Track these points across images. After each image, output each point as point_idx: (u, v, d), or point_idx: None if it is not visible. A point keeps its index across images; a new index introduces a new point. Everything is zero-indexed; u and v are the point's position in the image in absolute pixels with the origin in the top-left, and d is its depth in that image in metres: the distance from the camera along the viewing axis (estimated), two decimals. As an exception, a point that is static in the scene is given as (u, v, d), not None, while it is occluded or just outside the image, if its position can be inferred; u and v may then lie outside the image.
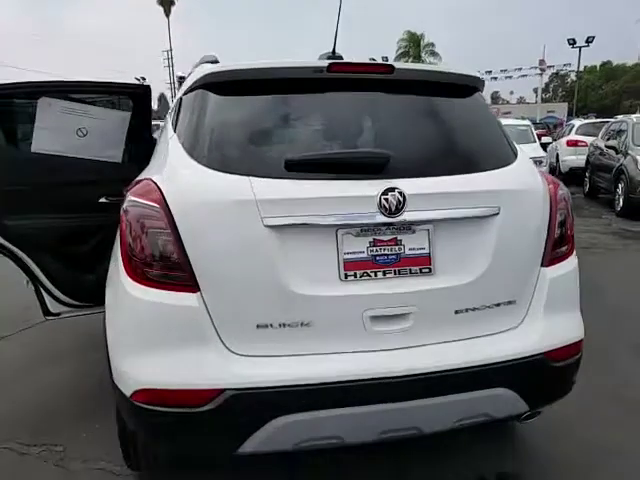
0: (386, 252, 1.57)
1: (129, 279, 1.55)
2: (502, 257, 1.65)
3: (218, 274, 1.50)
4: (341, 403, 1.49)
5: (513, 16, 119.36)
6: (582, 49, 32.38)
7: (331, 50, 2.14)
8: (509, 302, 1.68)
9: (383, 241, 1.56)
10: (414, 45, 58.05)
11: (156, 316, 1.53)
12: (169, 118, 2.03)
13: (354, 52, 2.57)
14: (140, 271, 1.53)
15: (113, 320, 1.67)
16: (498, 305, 1.66)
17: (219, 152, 1.62)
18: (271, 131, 1.74)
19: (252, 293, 1.52)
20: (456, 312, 1.62)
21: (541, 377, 1.69)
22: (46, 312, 2.73)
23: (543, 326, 1.71)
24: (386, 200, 1.52)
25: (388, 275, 1.57)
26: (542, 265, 1.73)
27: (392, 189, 1.53)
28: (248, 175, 1.53)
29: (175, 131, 1.78)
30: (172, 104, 2.39)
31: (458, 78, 1.84)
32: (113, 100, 2.71)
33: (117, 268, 1.62)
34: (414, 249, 1.59)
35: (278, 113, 1.77)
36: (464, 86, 1.87)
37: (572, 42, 32.43)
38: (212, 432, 1.52)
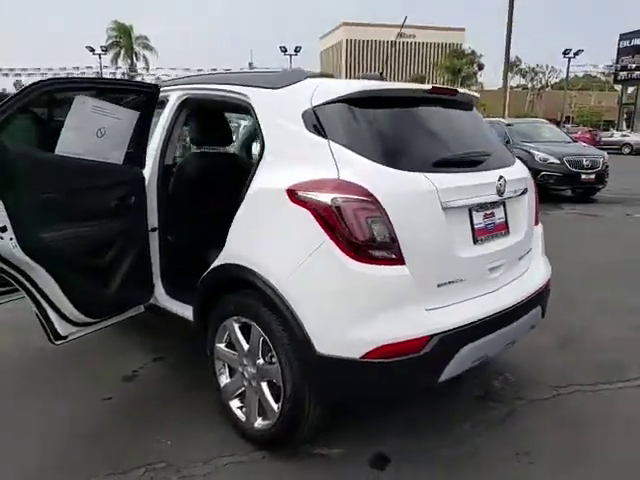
0: (490, 221, 2.26)
1: (352, 260, 1.85)
2: (528, 219, 2.53)
3: (414, 248, 1.93)
4: (489, 331, 2.13)
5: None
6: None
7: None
8: (530, 250, 2.58)
9: (488, 214, 2.25)
10: (125, 36, 55.64)
11: (380, 286, 1.89)
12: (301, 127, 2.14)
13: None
14: (363, 252, 1.86)
15: (332, 297, 1.91)
16: (528, 252, 2.55)
17: (391, 154, 2.03)
18: (412, 135, 2.21)
19: (434, 260, 2.02)
20: (519, 258, 2.43)
21: (547, 297, 2.64)
22: (57, 336, 2.41)
23: (541, 265, 2.67)
24: (500, 185, 2.22)
25: (492, 238, 2.27)
26: (535, 224, 2.69)
27: (501, 177, 2.25)
28: (420, 172, 2.02)
29: (327, 137, 2.04)
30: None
31: (474, 97, 2.63)
32: (129, 99, 2.54)
33: (322, 255, 1.88)
34: (500, 218, 2.32)
35: (411, 121, 2.25)
36: (473, 102, 2.67)
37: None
38: (425, 370, 1.98)
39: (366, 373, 1.90)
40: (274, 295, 1.99)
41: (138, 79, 57.03)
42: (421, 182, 2.00)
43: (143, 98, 2.57)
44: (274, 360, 2.10)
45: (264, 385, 2.18)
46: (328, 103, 2.09)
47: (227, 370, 2.40)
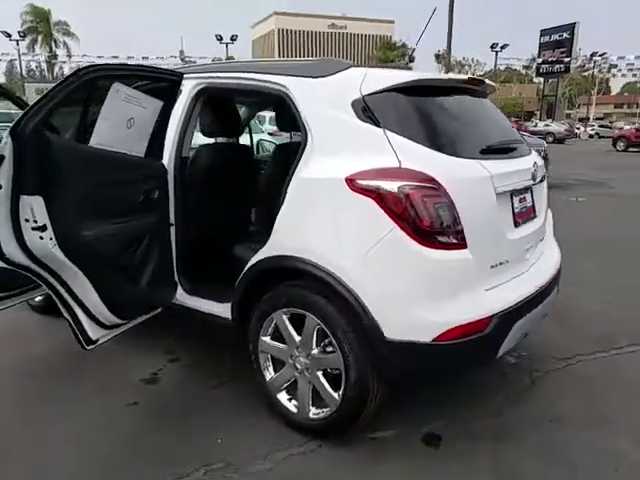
0: (524, 206, 2.38)
1: (421, 246, 1.90)
2: (545, 204, 2.69)
3: (473, 232, 2.00)
4: (532, 307, 2.25)
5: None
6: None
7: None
8: (546, 232, 2.74)
9: (522, 198, 2.38)
10: (43, 21, 52.13)
11: (448, 270, 1.96)
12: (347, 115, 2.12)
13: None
14: (431, 238, 1.91)
15: (402, 283, 1.94)
16: (545, 233, 2.71)
17: (444, 141, 2.09)
18: (458, 124, 2.28)
19: (490, 243, 2.11)
20: (541, 240, 2.58)
21: (560, 276, 2.82)
22: (88, 340, 2.29)
23: (555, 246, 2.84)
24: (534, 170, 2.35)
25: (526, 221, 2.40)
26: (548, 208, 2.86)
27: (535, 163, 2.37)
28: (472, 158, 2.10)
29: (381, 125, 2.05)
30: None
31: (493, 88, 2.74)
32: (155, 87, 2.42)
33: (390, 242, 1.91)
34: (529, 202, 2.45)
35: (453, 110, 2.31)
36: (489, 93, 2.79)
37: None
38: (488, 347, 2.08)
39: (436, 355, 1.97)
40: (337, 284, 1.99)
41: (57, 68, 54.59)
42: (477, 168, 2.08)
43: (166, 86, 2.47)
44: (332, 349, 2.11)
45: (320, 374, 2.18)
46: (379, 92, 2.11)
47: (272, 363, 2.39)
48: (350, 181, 1.98)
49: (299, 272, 2.13)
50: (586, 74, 58.64)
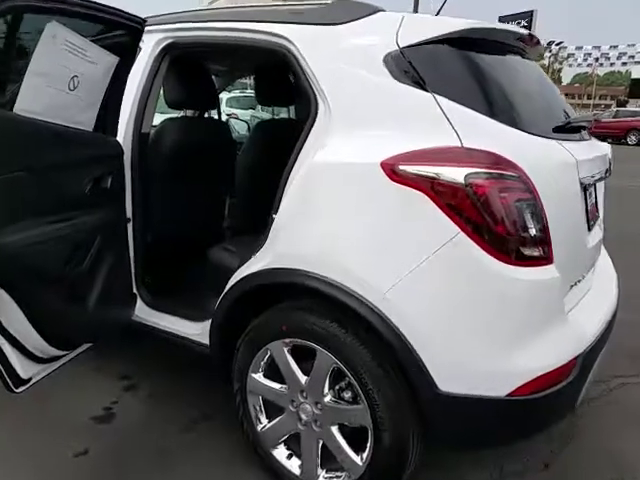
0: (591, 203, 1.84)
1: (498, 261, 1.36)
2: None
3: (557, 240, 1.46)
4: (607, 336, 1.76)
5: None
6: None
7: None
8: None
9: (589, 193, 1.81)
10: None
11: (534, 296, 1.43)
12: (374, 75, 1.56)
13: None
14: (511, 250, 1.37)
15: (468, 315, 1.40)
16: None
17: (514, 113, 1.54)
18: (524, 92, 1.72)
19: (572, 254, 1.60)
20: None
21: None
22: (18, 381, 1.68)
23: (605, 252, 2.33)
24: (610, 159, 1.89)
25: (593, 223, 1.86)
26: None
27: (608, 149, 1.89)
28: (548, 137, 1.57)
29: (429, 89, 1.49)
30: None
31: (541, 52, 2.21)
32: (105, 37, 1.77)
33: (451, 255, 1.37)
34: (594, 199, 1.90)
35: (514, 74, 1.75)
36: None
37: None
38: (568, 398, 1.56)
39: (509, 413, 1.45)
40: (367, 312, 1.44)
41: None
42: (560, 152, 1.56)
43: (125, 38, 1.83)
44: (352, 394, 1.58)
45: (334, 430, 1.63)
46: (423, 44, 1.55)
47: (265, 409, 1.82)
48: (389, 167, 1.42)
49: (310, 292, 1.57)
50: (545, 62, 59.74)
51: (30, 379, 1.73)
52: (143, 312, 2.18)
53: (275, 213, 1.67)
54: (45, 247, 1.55)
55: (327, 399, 1.62)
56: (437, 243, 1.37)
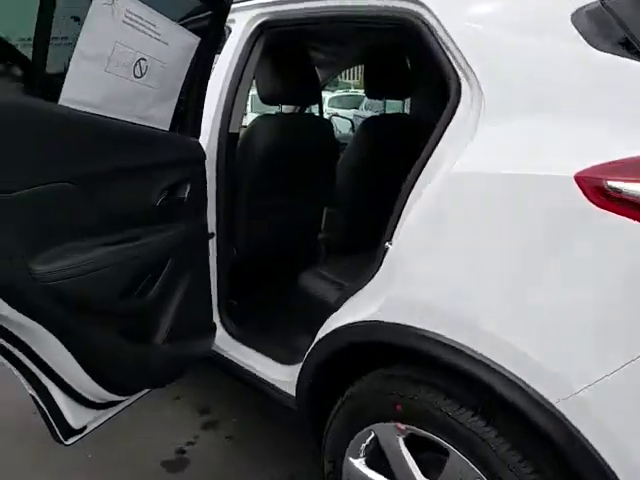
0: None
1: None
2: None
3: None
4: None
5: None
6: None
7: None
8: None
9: None
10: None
11: None
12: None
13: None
14: None
15: None
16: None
17: None
18: None
19: None
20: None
21: None
22: (68, 431, 1.39)
23: None
24: None
25: None
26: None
27: None
28: None
29: None
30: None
31: None
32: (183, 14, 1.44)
33: None
34: None
35: None
36: None
37: None
38: None
39: None
40: (539, 413, 0.92)
41: None
42: None
43: (206, 18, 1.48)
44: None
45: None
46: None
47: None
48: (589, 183, 0.88)
49: (443, 366, 1.08)
50: None
51: (84, 428, 1.44)
52: (224, 343, 1.84)
53: (389, 241, 1.21)
54: (98, 275, 1.22)
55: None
56: None
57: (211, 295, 1.74)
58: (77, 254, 1.18)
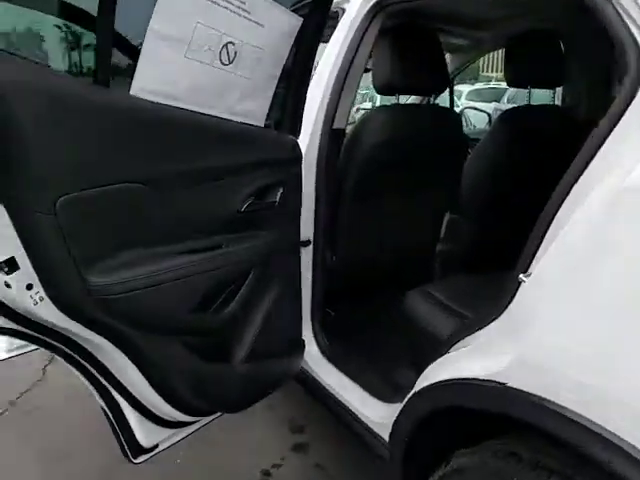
0: None
1: None
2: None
3: None
4: None
5: None
6: None
7: None
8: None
9: None
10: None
11: None
12: None
13: None
14: None
15: None
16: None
17: None
18: None
19: None
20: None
21: None
22: (136, 449, 1.29)
23: None
24: None
25: None
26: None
27: None
28: None
29: None
30: None
31: None
32: None
33: None
34: None
35: None
36: None
37: None
38: None
39: None
40: None
41: None
42: None
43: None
44: None
45: None
46: None
47: None
48: None
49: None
50: None
51: (155, 447, 1.33)
52: (313, 361, 1.64)
53: (525, 272, 0.90)
54: (167, 288, 1.08)
55: None
56: None
57: (301, 310, 1.55)
58: (144, 265, 1.05)
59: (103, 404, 1.23)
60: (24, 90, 0.82)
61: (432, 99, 1.87)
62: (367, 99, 9.56)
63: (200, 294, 1.17)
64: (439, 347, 1.14)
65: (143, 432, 1.27)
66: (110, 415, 1.24)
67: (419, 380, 1.12)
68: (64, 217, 0.90)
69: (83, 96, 0.91)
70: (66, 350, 1.11)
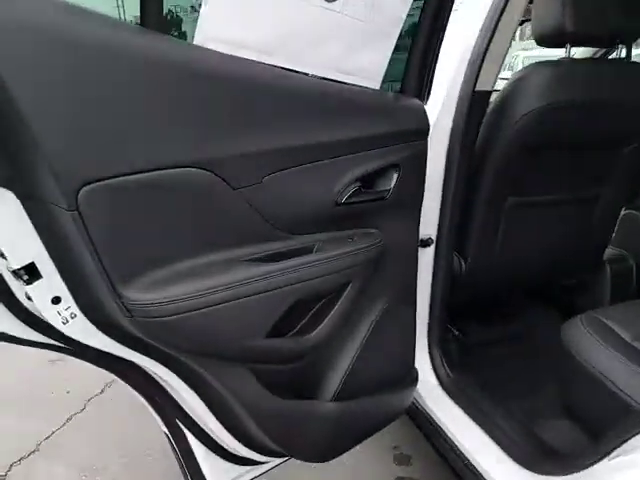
0: None
1: None
2: None
3: None
4: None
5: None
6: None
7: None
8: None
9: None
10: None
11: None
12: None
13: None
14: None
15: None
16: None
17: None
18: None
19: None
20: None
21: None
22: None
23: None
24: None
25: None
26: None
27: None
28: None
29: None
30: None
31: None
32: None
33: None
34: None
35: None
36: None
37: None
38: None
39: None
40: None
41: None
42: None
43: None
44: None
45: None
46: None
47: None
48: None
49: None
50: None
51: (226, 486, 1.10)
52: (428, 394, 1.30)
53: None
54: (231, 308, 0.81)
55: None
56: None
57: (415, 330, 1.20)
58: (201, 277, 0.78)
59: (166, 430, 1.02)
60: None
61: (617, 52, 1.34)
62: (505, 68, 8.62)
63: (280, 313, 0.88)
64: (616, 418, 0.74)
65: (212, 472, 1.05)
66: (173, 442, 1.03)
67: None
68: (89, 213, 0.65)
69: (122, 40, 0.64)
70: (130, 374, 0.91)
